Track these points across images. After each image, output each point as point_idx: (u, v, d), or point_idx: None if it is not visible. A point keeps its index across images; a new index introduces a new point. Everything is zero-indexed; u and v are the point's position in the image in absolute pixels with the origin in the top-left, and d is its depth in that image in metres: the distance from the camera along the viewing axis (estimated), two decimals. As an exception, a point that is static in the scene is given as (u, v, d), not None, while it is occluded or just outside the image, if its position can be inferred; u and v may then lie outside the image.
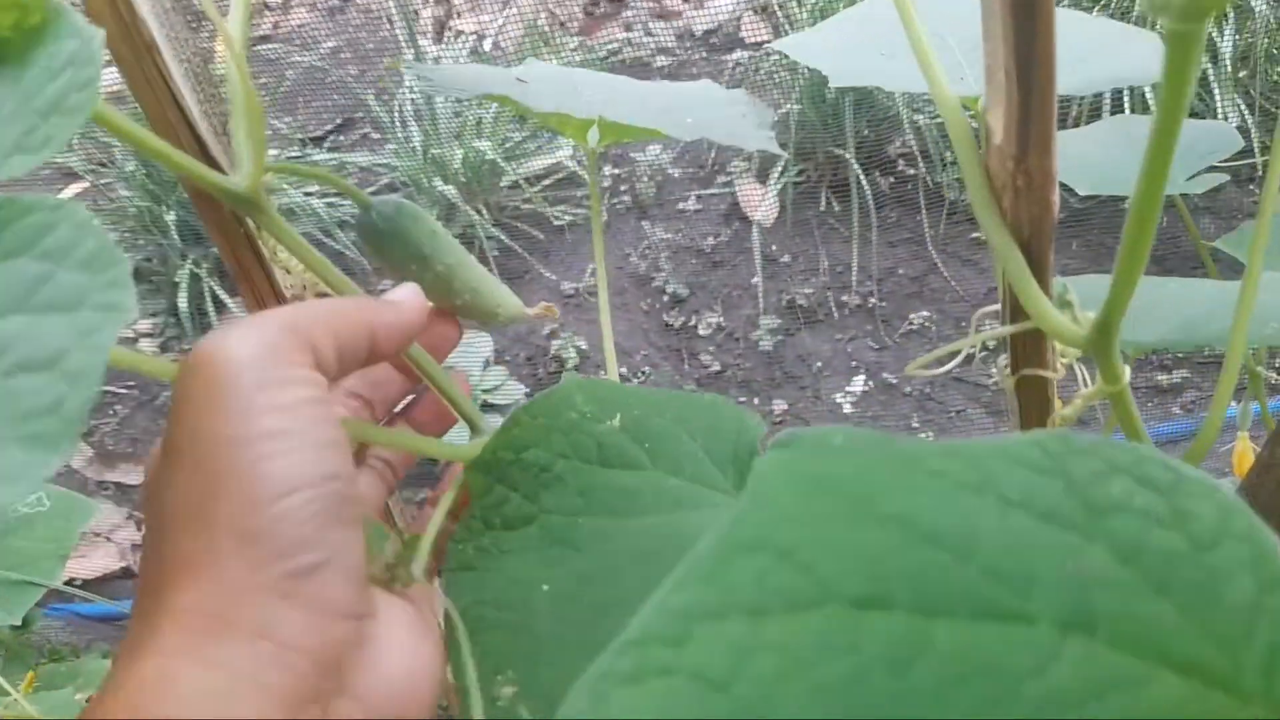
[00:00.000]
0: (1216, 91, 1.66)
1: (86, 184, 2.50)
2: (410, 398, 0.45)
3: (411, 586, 0.34)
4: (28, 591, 1.09)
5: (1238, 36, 1.72)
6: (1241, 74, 1.82)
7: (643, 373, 1.90)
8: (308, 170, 0.42)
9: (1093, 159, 0.76)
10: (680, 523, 0.38)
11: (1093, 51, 0.58)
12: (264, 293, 0.45)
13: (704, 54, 2.61)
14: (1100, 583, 0.21)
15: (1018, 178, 0.31)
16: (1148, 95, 1.65)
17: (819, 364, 1.84)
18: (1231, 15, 1.67)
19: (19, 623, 1.03)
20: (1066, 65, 0.46)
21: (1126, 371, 0.34)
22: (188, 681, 0.26)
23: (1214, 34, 1.66)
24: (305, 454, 0.29)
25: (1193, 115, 1.79)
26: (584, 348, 1.91)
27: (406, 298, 0.38)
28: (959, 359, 0.38)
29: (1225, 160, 0.77)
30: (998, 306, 0.40)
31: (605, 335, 0.63)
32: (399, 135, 2.15)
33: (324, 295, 0.47)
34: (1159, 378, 1.72)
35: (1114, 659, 0.20)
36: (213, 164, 0.40)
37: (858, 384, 1.82)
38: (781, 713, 0.18)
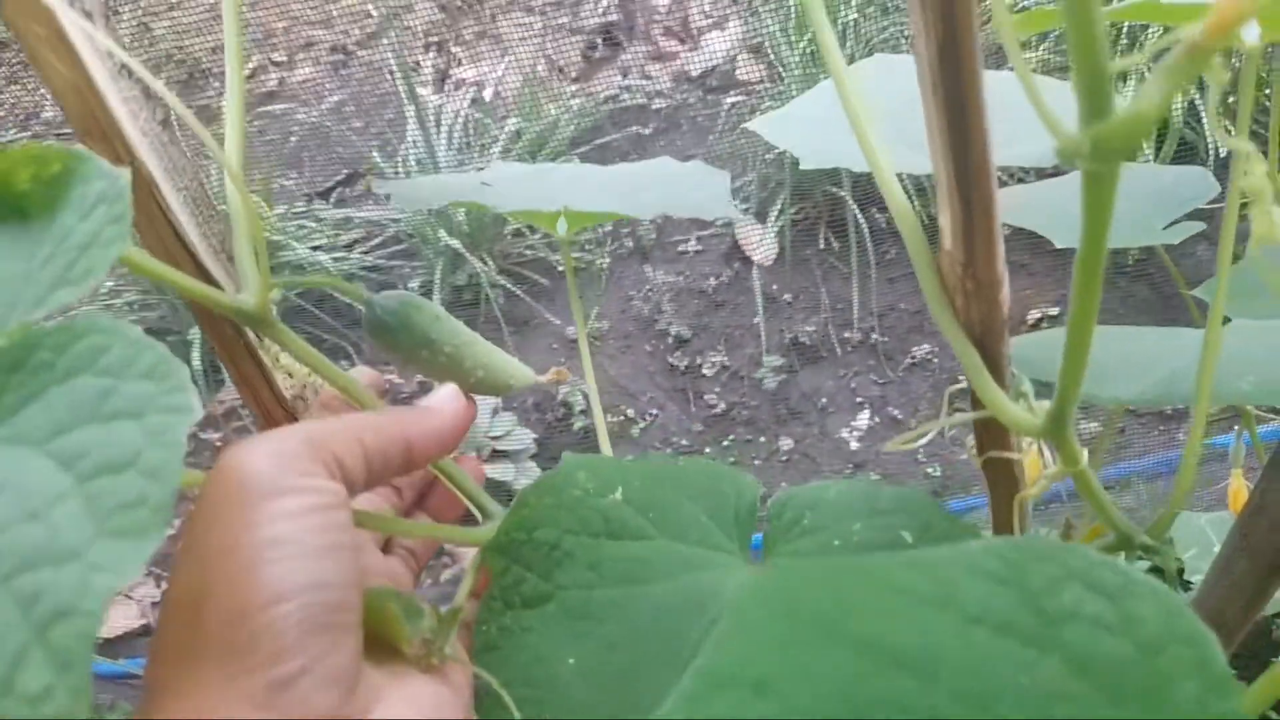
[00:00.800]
0: (1205, 121, 1.68)
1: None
2: (428, 483, 0.47)
3: (445, 663, 0.35)
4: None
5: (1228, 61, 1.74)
6: (1231, 99, 1.84)
7: (649, 415, 1.92)
8: (309, 281, 0.45)
9: (1069, 210, 0.78)
10: (692, 584, 0.39)
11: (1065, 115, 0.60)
12: (265, 398, 0.47)
13: (700, 95, 2.65)
14: (1057, 697, 0.23)
15: (966, 282, 0.33)
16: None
17: (824, 400, 1.86)
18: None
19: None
20: (1040, 133, 0.48)
21: (1084, 454, 0.36)
22: None
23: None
24: (299, 562, 0.30)
25: (1182, 143, 1.81)
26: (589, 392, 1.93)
27: (447, 404, 0.39)
28: (928, 438, 0.40)
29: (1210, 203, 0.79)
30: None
31: (593, 397, 0.65)
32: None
33: (327, 393, 0.49)
34: (1165, 406, 1.73)
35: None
36: (211, 282, 0.43)
37: (863, 419, 1.83)
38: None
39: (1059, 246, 0.76)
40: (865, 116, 0.39)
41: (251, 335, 0.47)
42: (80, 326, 0.29)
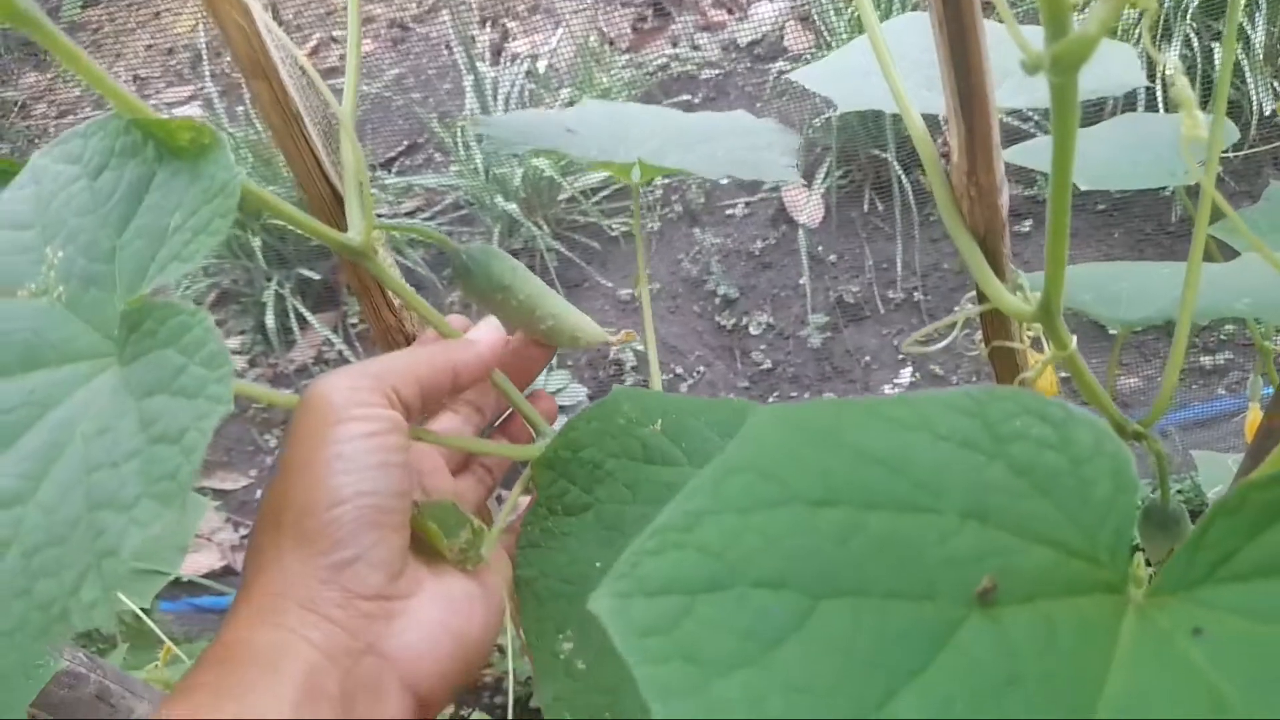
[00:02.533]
0: (1249, 78, 1.69)
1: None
2: (509, 412, 0.54)
3: (480, 567, 0.43)
4: (153, 579, 1.23)
5: (1272, 27, 1.76)
6: (1281, 59, 1.85)
7: (697, 372, 1.99)
8: (406, 226, 0.53)
9: (1095, 156, 0.83)
10: None
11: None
12: (390, 326, 0.54)
13: (748, 64, 2.70)
14: (997, 488, 0.30)
15: (970, 189, 0.39)
16: (1157, 95, 1.69)
17: (867, 358, 1.92)
18: (1264, 5, 1.71)
19: (147, 605, 1.17)
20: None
21: (1073, 339, 0.42)
22: (260, 637, 0.36)
23: (1246, 25, 1.69)
24: (357, 475, 0.38)
25: (1230, 103, 1.81)
26: (640, 350, 2.00)
27: (484, 335, 0.47)
28: (951, 335, 0.47)
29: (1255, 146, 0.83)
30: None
31: (650, 347, 0.72)
32: (462, 156, 2.28)
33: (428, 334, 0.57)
34: (1204, 360, 1.75)
35: (1000, 536, 0.29)
36: (342, 208, 0.51)
37: (905, 376, 1.88)
38: (759, 571, 0.27)
39: (1083, 188, 0.81)
40: (891, 60, 0.46)
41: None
42: (176, 306, 0.36)
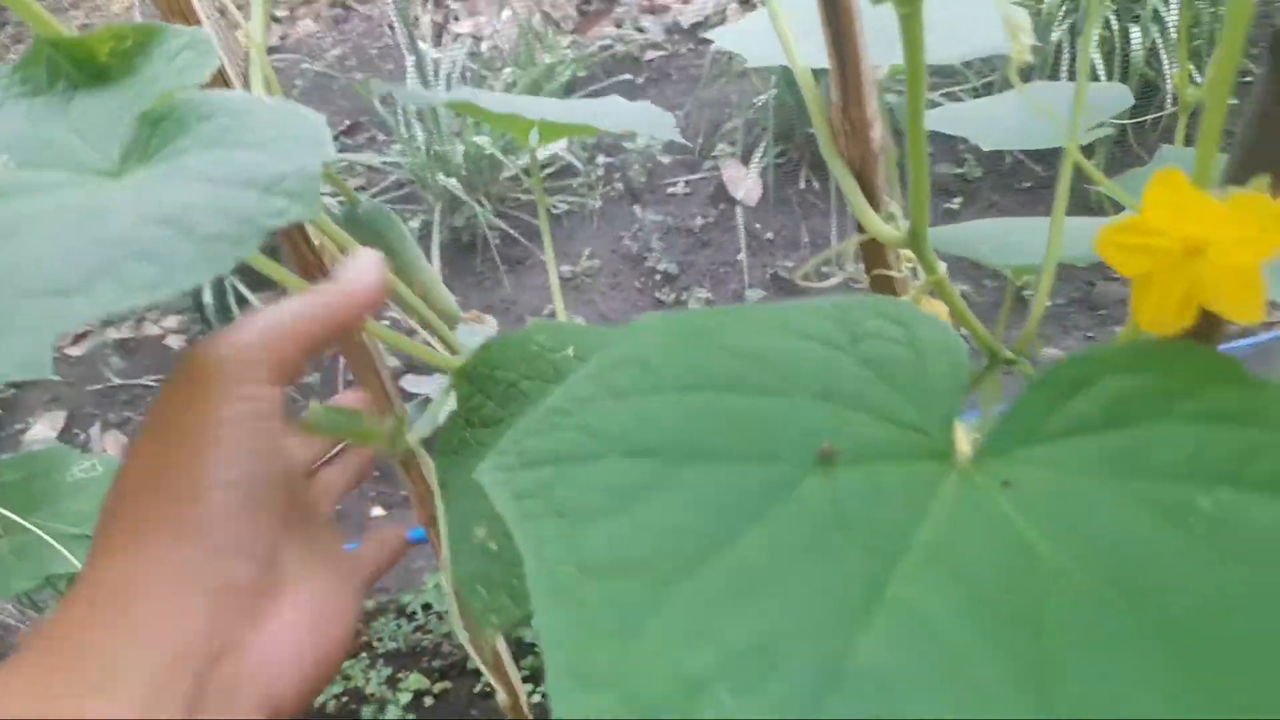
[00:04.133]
0: (1165, 59, 1.77)
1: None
2: None
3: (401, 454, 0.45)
4: (87, 544, 1.23)
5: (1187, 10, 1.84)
6: (1197, 42, 1.93)
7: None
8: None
9: (999, 121, 0.88)
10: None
11: (969, 21, 0.70)
12: (310, 263, 0.56)
13: (691, 46, 2.73)
14: (846, 377, 0.33)
15: (845, 124, 0.43)
16: (1095, 60, 1.76)
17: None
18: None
19: (78, 566, 1.17)
20: (950, 36, 0.57)
21: (942, 266, 0.46)
22: (102, 629, 0.33)
23: (1160, 7, 1.77)
24: (235, 459, 0.36)
25: (1148, 82, 1.89)
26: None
27: (362, 273, 0.42)
28: (845, 268, 0.50)
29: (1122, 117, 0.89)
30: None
31: (556, 296, 0.75)
32: (404, 135, 2.28)
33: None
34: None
35: (844, 414, 0.32)
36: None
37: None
38: (628, 443, 0.30)
39: (986, 149, 0.86)
40: (785, 19, 0.49)
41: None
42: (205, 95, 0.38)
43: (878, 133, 0.44)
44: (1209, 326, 0.48)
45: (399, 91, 0.72)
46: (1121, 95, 0.94)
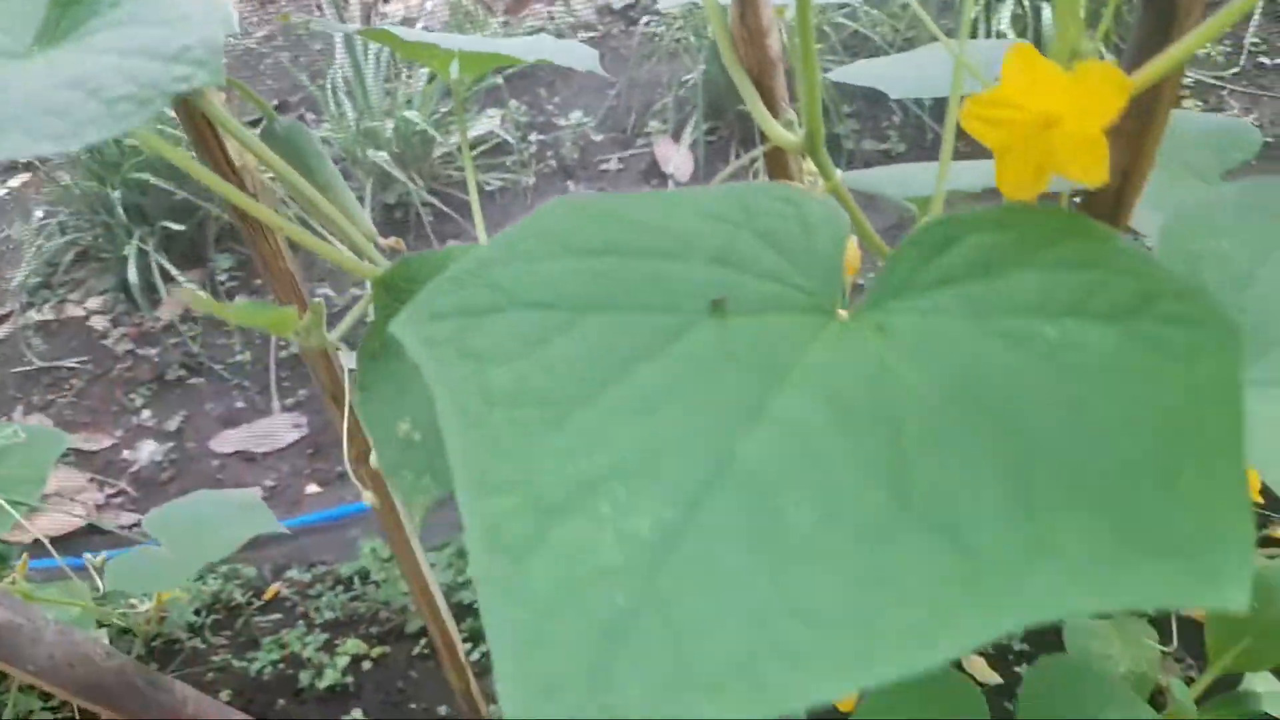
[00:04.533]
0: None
1: (29, 175, 2.56)
2: None
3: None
4: (12, 510, 1.21)
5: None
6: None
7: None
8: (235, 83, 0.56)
9: (906, 73, 0.93)
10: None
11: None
12: (220, 161, 0.57)
13: (622, 26, 2.75)
14: (742, 246, 0.36)
15: (743, 31, 0.46)
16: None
17: (735, 303, 2.01)
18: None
19: (6, 532, 1.15)
20: None
21: (839, 172, 0.49)
22: None
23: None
24: None
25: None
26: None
27: None
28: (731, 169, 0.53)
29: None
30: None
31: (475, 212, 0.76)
32: (334, 113, 2.25)
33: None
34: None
35: (738, 275, 0.35)
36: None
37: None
38: (534, 297, 0.32)
39: (893, 97, 0.90)
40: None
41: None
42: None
43: (775, 41, 0.46)
44: (1115, 208, 0.52)
45: (317, 22, 0.72)
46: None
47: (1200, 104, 2.21)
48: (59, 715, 1.26)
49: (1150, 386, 0.28)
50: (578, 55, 0.69)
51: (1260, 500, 1.04)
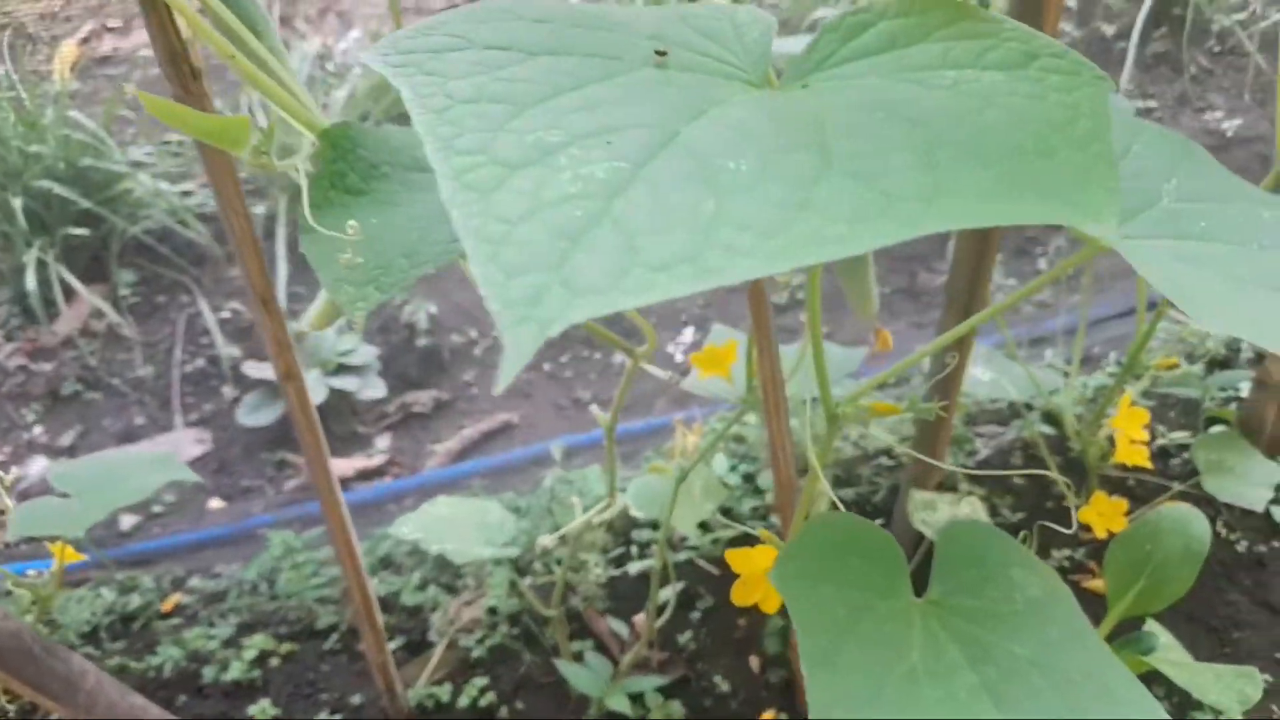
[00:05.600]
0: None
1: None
2: None
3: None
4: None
5: None
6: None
7: (492, 335, 2.05)
8: None
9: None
10: None
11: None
12: (177, 53, 0.58)
13: None
14: (676, 31, 0.39)
15: None
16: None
17: (653, 320, 2.05)
18: None
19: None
20: None
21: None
22: None
23: None
24: None
25: None
26: (434, 313, 2.04)
27: None
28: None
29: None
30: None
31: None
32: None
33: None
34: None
35: (676, 49, 0.38)
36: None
37: (687, 335, 2.03)
38: (491, 40, 0.35)
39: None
40: None
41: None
42: None
43: None
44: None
45: None
46: None
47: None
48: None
49: (1033, 105, 0.33)
50: None
51: (1149, 467, 1.11)
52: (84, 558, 1.17)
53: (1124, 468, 1.19)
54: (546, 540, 0.92)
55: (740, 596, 0.73)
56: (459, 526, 1.01)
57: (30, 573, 1.01)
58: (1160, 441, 1.38)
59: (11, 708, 1.12)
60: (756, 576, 0.73)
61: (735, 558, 0.72)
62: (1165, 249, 0.47)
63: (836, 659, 0.48)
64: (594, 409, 0.85)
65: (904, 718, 0.43)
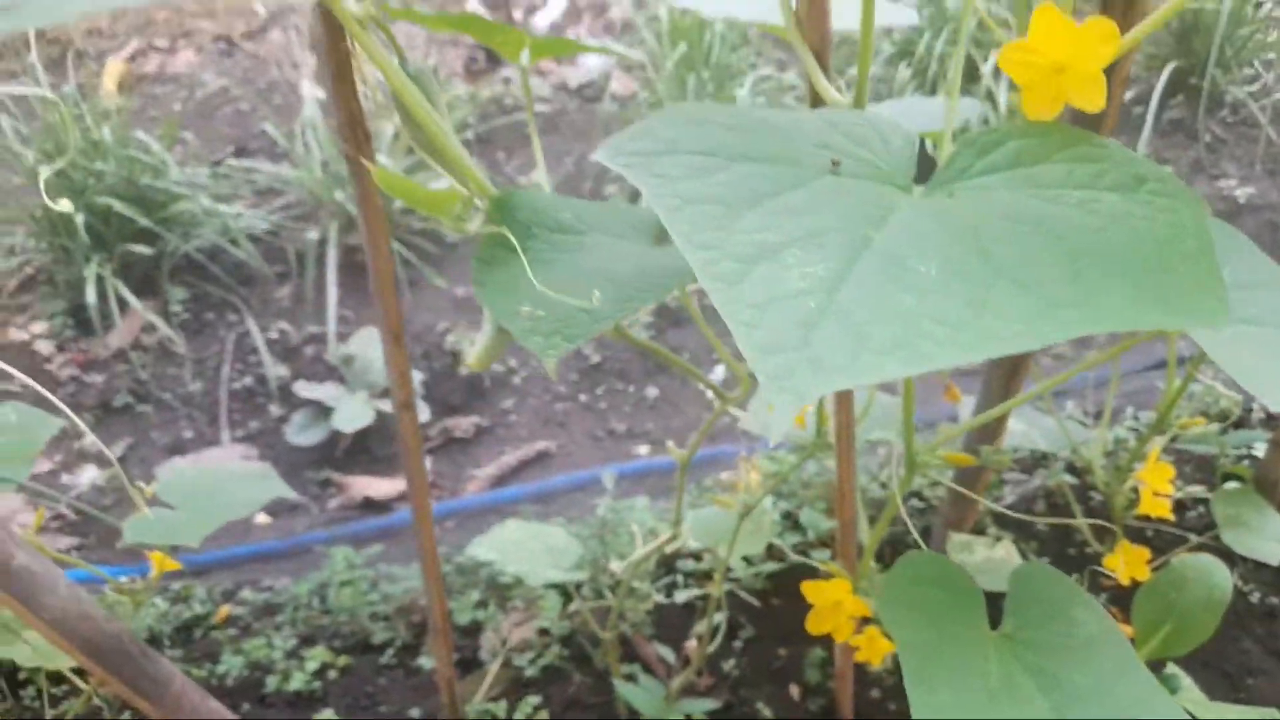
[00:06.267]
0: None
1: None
2: None
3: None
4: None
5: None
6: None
7: (531, 364, 2.13)
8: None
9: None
10: (610, 248, 0.62)
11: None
12: (348, 96, 0.65)
13: (578, 104, 2.93)
14: (837, 140, 0.47)
15: (807, 9, 0.58)
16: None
17: (686, 355, 2.12)
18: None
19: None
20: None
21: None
22: None
23: None
24: None
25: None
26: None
27: None
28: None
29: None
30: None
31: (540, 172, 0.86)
32: (300, 154, 2.33)
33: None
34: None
35: (840, 156, 0.46)
36: None
37: (719, 371, 2.10)
38: (694, 147, 0.43)
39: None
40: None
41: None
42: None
43: (829, 29, 0.59)
44: (1092, 121, 0.65)
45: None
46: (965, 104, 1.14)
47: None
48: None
49: (1148, 224, 0.40)
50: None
51: (1170, 519, 1.18)
52: (179, 566, 1.24)
53: (1145, 518, 1.25)
54: (616, 566, 0.98)
55: (815, 625, 0.79)
56: (528, 549, 1.07)
57: (122, 579, 1.08)
58: (1178, 495, 1.45)
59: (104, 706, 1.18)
60: (829, 607, 0.80)
61: (811, 590, 0.78)
62: (1227, 333, 0.54)
63: (931, 678, 0.55)
64: (670, 445, 0.92)
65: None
